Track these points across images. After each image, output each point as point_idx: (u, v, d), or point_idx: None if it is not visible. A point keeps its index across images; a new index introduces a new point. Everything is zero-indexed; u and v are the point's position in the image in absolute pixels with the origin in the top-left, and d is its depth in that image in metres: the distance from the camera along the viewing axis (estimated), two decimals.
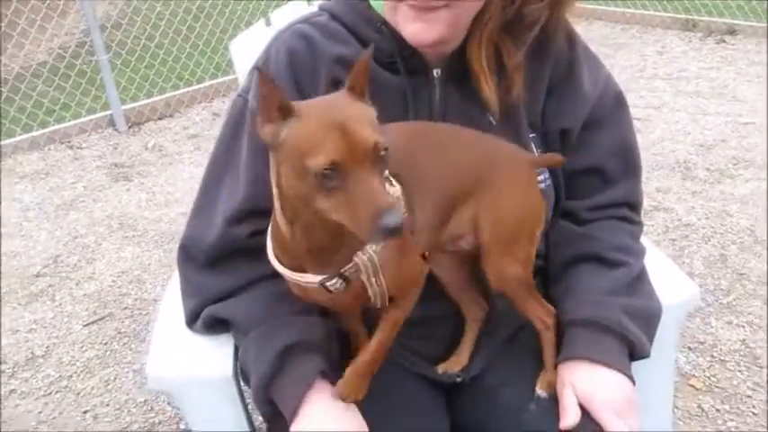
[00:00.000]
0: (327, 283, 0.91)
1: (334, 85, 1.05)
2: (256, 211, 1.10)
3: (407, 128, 1.04)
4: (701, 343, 2.17)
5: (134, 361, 2.30)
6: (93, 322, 2.52)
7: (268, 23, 1.76)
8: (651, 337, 1.07)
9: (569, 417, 0.99)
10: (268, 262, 1.10)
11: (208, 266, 1.13)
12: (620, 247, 1.15)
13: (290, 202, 0.86)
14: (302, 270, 0.93)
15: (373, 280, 0.90)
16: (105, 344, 2.40)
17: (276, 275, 1.08)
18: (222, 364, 1.13)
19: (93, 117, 4.23)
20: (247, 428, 1.16)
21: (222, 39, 5.06)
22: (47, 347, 2.42)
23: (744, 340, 2.17)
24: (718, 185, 3.14)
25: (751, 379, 2.02)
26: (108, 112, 4.23)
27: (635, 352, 1.05)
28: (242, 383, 1.13)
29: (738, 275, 2.50)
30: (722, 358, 2.11)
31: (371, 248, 0.89)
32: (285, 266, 0.95)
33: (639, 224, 1.22)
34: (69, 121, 4.18)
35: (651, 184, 3.14)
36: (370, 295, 0.92)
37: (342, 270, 0.90)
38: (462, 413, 1.13)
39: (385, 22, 1.09)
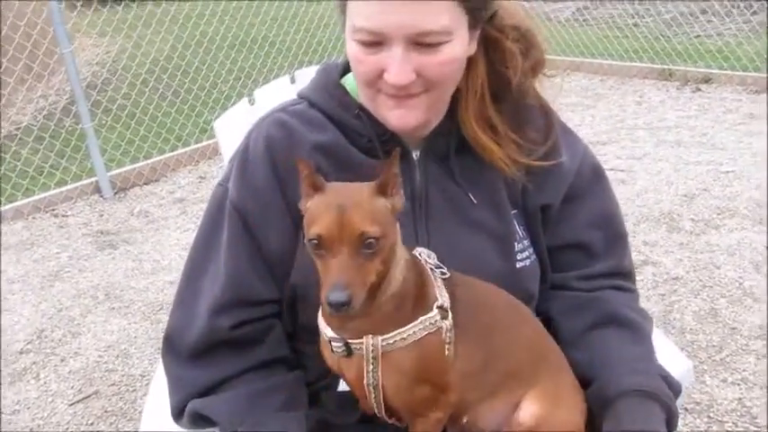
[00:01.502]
0: (333, 343, 0.95)
1: (317, 171, 1.08)
2: (239, 302, 1.10)
3: (489, 290, 1.06)
4: (698, 403, 2.15)
5: None
6: (78, 401, 2.46)
7: (252, 102, 1.79)
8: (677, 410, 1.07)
9: None
10: (252, 354, 1.09)
11: (191, 359, 1.12)
12: (631, 307, 1.16)
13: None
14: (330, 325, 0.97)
15: (371, 367, 0.92)
16: (91, 424, 2.34)
17: (260, 368, 1.10)
18: None
19: (78, 184, 4.22)
20: None
21: (207, 102, 5.11)
22: (31, 429, 2.35)
23: (740, 399, 2.16)
24: (703, 236, 3.17)
25: None
26: (93, 179, 4.23)
27: (672, 422, 1.04)
28: None
29: (730, 330, 2.50)
30: (720, 419, 2.09)
31: (383, 340, 0.92)
32: (322, 314, 0.98)
33: (635, 292, 1.22)
34: (54, 188, 4.17)
35: (638, 238, 3.16)
36: (365, 384, 0.93)
37: (349, 339, 0.93)
38: None
39: (362, 108, 1.10)
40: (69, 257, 3.54)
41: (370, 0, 0.97)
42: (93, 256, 3.53)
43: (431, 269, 1.00)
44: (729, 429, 2.05)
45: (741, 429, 2.05)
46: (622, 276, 1.20)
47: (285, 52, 5.62)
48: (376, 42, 0.99)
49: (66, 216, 4.02)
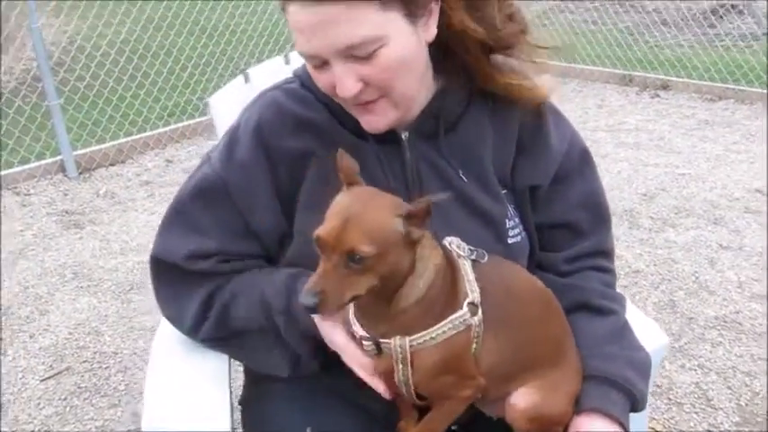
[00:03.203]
0: (364, 342, 0.97)
1: (305, 154, 1.11)
2: (220, 253, 1.16)
3: (522, 280, 1.09)
4: (658, 386, 2.27)
5: (96, 417, 2.23)
6: (50, 377, 2.43)
7: (247, 80, 1.80)
8: (648, 388, 1.13)
9: None
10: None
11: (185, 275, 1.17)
12: (605, 294, 1.21)
13: None
14: (360, 322, 0.99)
15: (400, 367, 0.95)
16: (64, 399, 2.33)
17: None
18: (221, 418, 1.13)
19: (42, 162, 4.13)
20: None
21: (177, 85, 5.06)
22: (1, 404, 2.32)
23: (697, 383, 2.29)
24: (662, 233, 3.31)
25: (706, 420, 2.13)
26: (58, 158, 4.15)
27: (637, 406, 1.11)
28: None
29: (687, 320, 2.64)
30: (678, 401, 2.21)
31: (410, 341, 0.94)
32: (353, 312, 1.00)
33: (613, 272, 1.28)
34: (17, 166, 4.08)
35: None
36: (395, 381, 0.96)
37: (378, 339, 0.95)
38: None
39: None
40: (34, 236, 3.48)
41: (296, 29, 0.99)
42: (59, 235, 3.48)
43: (462, 259, 1.00)
44: (687, 410, 2.17)
45: (698, 410, 2.17)
46: (604, 255, 1.27)
47: (257, 39, 5.60)
48: (320, 63, 1.01)
49: (29, 194, 3.94)
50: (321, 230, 0.88)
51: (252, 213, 1.13)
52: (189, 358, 1.25)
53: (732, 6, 6.50)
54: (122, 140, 4.45)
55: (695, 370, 2.35)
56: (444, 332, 0.94)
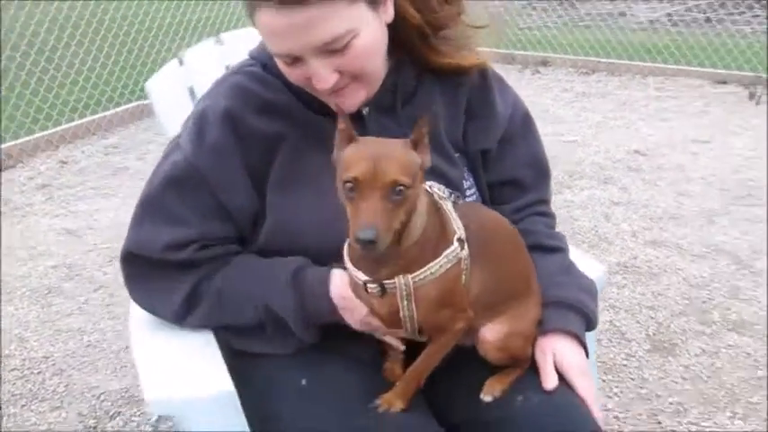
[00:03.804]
0: (369, 285, 1.02)
1: (274, 136, 1.15)
2: (199, 239, 1.17)
3: (494, 219, 1.19)
4: None
5: (39, 422, 2.15)
6: None
7: (181, 63, 1.82)
8: (597, 309, 1.29)
9: (552, 380, 1.16)
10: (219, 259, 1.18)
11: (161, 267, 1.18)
12: (551, 235, 1.35)
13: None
14: (360, 269, 1.04)
15: (405, 303, 1.02)
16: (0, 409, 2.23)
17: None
18: (222, 377, 1.15)
19: None
20: None
21: (64, 83, 4.83)
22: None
23: (611, 321, 2.54)
24: (560, 195, 3.59)
25: (623, 351, 2.38)
26: None
27: (591, 324, 1.25)
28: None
29: None
30: (597, 338, 2.45)
31: (413, 278, 1.01)
32: (350, 261, 1.05)
33: (553, 216, 1.42)
34: None
35: None
36: (401, 317, 1.04)
37: (384, 281, 1.02)
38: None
39: None
40: None
41: (268, 33, 1.05)
42: None
43: (443, 200, 1.09)
44: (606, 345, 2.41)
45: (615, 344, 2.42)
46: (545, 203, 1.41)
47: (162, 36, 5.43)
48: (292, 60, 1.06)
49: None
50: (356, 173, 0.92)
51: (227, 193, 1.16)
52: (174, 328, 1.25)
53: None
54: (9, 144, 4.21)
55: (608, 310, 2.61)
56: (441, 266, 1.03)
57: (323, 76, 1.06)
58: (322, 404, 1.13)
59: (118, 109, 4.86)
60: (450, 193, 1.12)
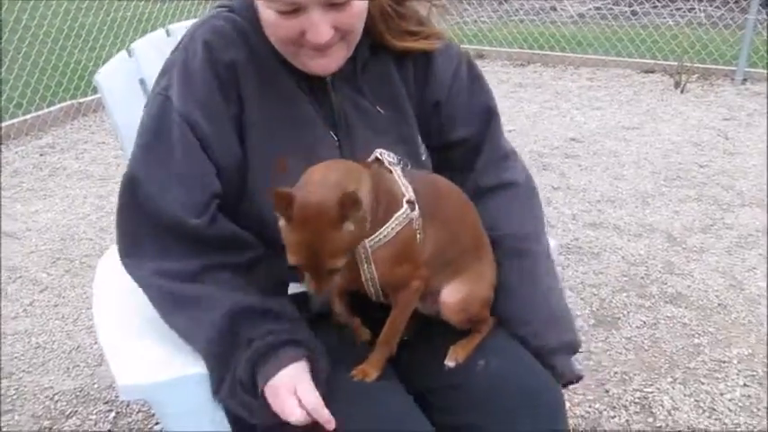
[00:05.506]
0: None
1: (243, 64, 1.14)
2: (210, 199, 1.15)
3: (440, 181, 1.23)
4: None
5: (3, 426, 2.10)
6: None
7: (131, 54, 1.81)
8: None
9: None
10: (227, 252, 1.15)
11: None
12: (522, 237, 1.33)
13: None
14: None
15: (365, 266, 1.08)
16: None
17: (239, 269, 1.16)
18: (194, 360, 1.16)
19: None
20: (227, 425, 1.21)
21: None
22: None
23: None
24: None
25: None
26: None
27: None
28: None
29: None
30: None
31: (368, 242, 1.06)
32: None
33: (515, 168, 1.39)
34: None
35: None
36: (363, 281, 1.10)
37: None
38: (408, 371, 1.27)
39: None
40: None
41: None
42: None
43: (392, 166, 1.14)
44: None
45: None
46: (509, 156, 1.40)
47: (96, 33, 5.27)
48: (292, 9, 1.07)
49: None
50: (296, 261, 1.00)
51: (217, 149, 1.15)
52: (138, 312, 1.23)
53: None
54: None
55: None
56: (393, 228, 1.08)
57: (321, 30, 1.08)
58: None
59: (52, 108, 4.71)
60: (399, 160, 1.17)
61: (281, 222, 1.01)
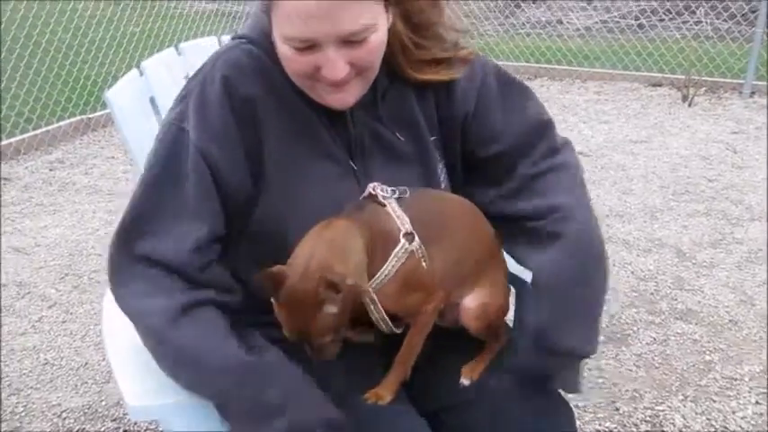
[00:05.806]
0: None
1: (262, 100, 1.14)
2: (215, 240, 1.14)
3: (441, 198, 1.22)
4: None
5: None
6: None
7: (141, 73, 1.82)
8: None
9: None
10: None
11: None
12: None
13: None
14: None
15: (371, 307, 1.08)
16: None
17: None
18: None
19: None
20: None
21: (5, 98, 4.69)
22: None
23: None
24: None
25: None
26: None
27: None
28: None
29: None
30: None
31: (370, 284, 1.07)
32: None
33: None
34: None
35: None
36: (373, 320, 1.10)
37: None
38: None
39: None
40: None
41: (294, 15, 1.03)
42: None
43: (387, 200, 1.13)
44: None
45: None
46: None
47: (106, 50, 5.32)
48: (307, 46, 1.05)
49: None
50: (289, 336, 1.04)
51: (230, 184, 1.14)
52: None
53: None
54: None
55: None
56: (393, 266, 1.08)
57: (337, 66, 1.07)
58: None
59: (61, 123, 4.74)
60: (394, 191, 1.15)
61: (272, 299, 1.04)
